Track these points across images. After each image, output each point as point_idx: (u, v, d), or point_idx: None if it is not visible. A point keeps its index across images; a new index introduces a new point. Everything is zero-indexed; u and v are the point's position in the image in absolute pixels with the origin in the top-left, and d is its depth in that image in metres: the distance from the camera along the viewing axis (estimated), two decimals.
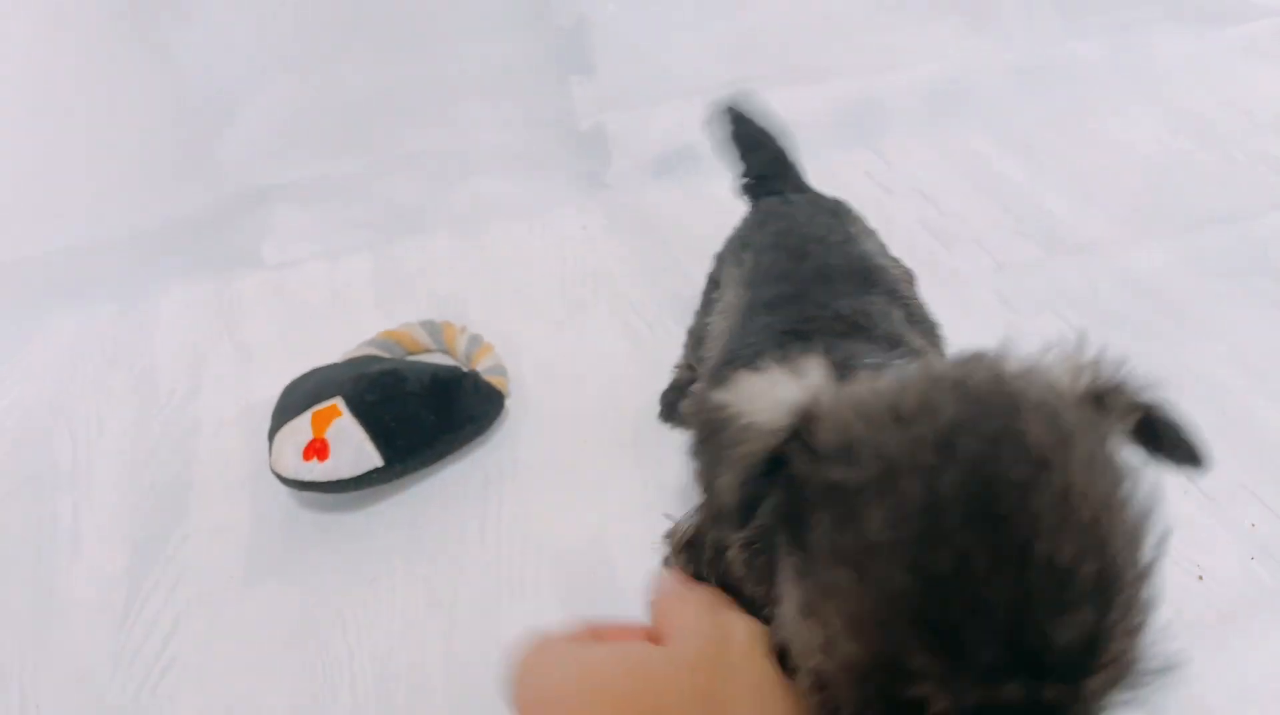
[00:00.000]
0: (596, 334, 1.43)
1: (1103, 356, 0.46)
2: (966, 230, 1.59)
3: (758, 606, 0.50)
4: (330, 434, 1.09)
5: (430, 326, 1.37)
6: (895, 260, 1.02)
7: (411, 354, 1.36)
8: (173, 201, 1.66)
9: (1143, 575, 0.39)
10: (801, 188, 1.16)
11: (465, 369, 1.26)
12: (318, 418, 1.11)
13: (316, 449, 1.09)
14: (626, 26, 1.74)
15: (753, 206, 1.13)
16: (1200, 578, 1.02)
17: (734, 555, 0.52)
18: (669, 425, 1.27)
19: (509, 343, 1.38)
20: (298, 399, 1.15)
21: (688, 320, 1.22)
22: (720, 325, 0.94)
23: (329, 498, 1.15)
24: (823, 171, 1.22)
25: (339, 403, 1.12)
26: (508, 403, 1.26)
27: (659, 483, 1.17)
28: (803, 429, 0.43)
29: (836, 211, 1.05)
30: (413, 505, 1.17)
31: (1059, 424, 0.40)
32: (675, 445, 1.24)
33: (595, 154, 1.77)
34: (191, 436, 1.32)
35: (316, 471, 1.08)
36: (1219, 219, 1.57)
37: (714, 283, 1.08)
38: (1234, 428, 1.18)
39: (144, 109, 1.64)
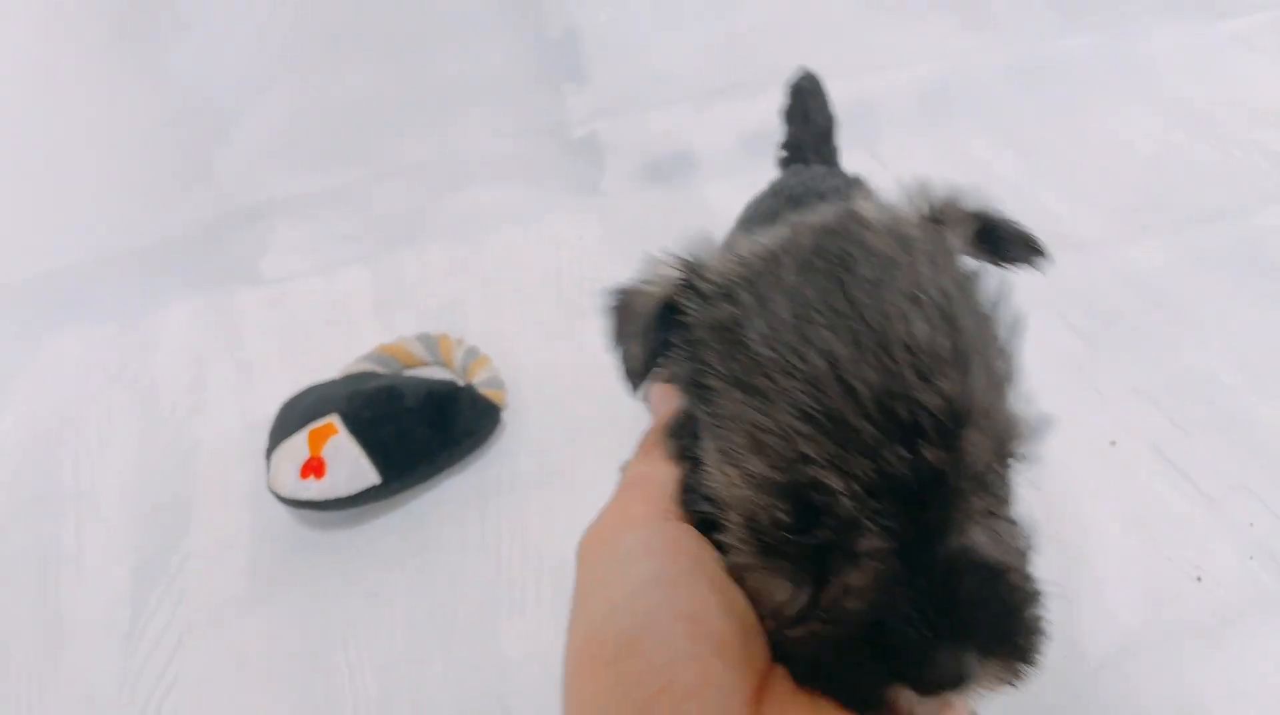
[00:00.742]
0: (594, 342, 1.41)
1: (934, 184, 0.54)
2: None
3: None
4: (327, 452, 1.10)
5: (426, 340, 1.38)
6: None
7: (408, 368, 1.37)
8: (171, 218, 1.67)
9: (1000, 348, 0.46)
10: (832, 161, 1.22)
11: (462, 383, 1.27)
12: (314, 436, 1.12)
13: (313, 467, 1.09)
14: (618, 34, 1.75)
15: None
16: (1199, 579, 1.01)
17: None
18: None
19: (506, 352, 1.38)
20: (294, 417, 1.16)
21: None
22: None
23: (328, 515, 1.16)
24: None
25: (335, 420, 1.13)
26: (505, 415, 1.27)
27: None
28: (691, 279, 0.50)
29: (850, 181, 1.09)
30: (411, 521, 1.17)
31: (902, 235, 0.47)
32: None
33: (589, 161, 1.78)
34: (193, 455, 1.33)
35: (314, 490, 1.09)
36: (1216, 214, 1.56)
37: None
38: (1231, 426, 1.18)
39: (141, 126, 1.64)
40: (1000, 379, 0.44)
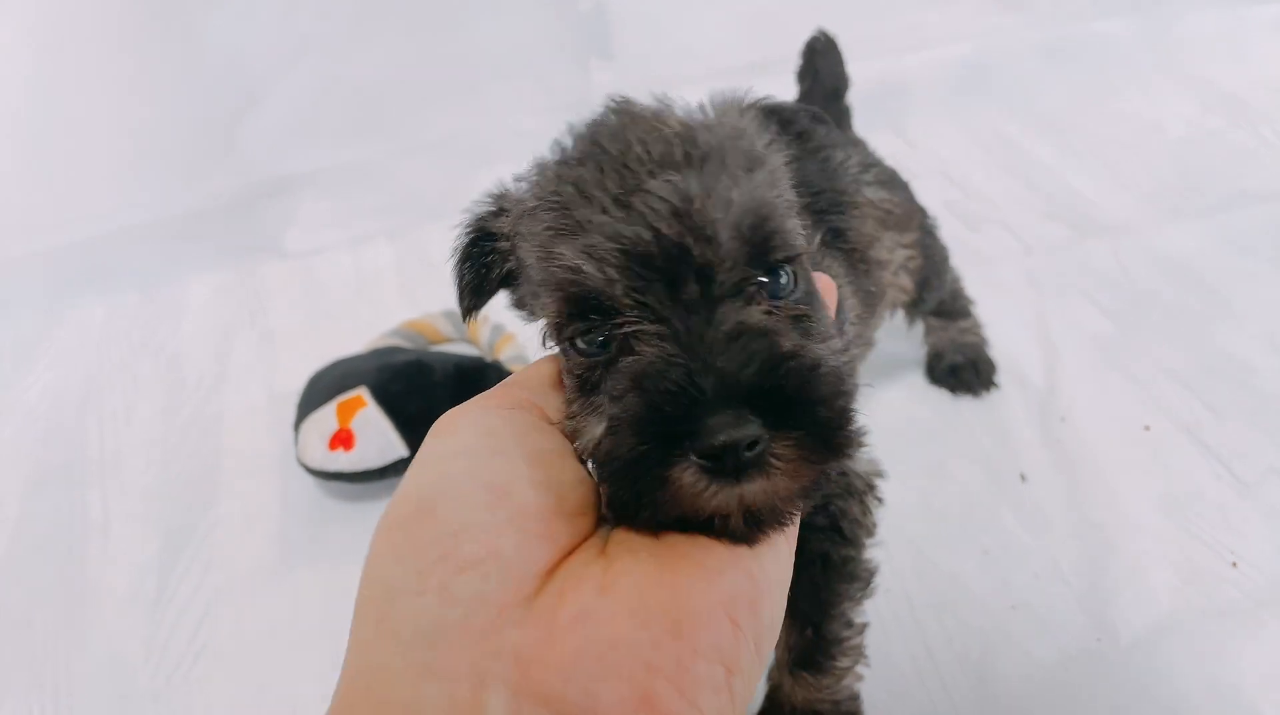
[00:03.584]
0: None
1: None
2: (994, 212, 1.57)
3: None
4: (356, 424, 1.10)
5: (452, 316, 1.37)
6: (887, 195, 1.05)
7: (434, 344, 1.36)
8: (198, 190, 1.67)
9: (751, 155, 0.50)
10: (841, 122, 1.19)
11: (488, 359, 1.26)
12: (343, 408, 1.11)
13: (342, 439, 1.09)
14: (646, 9, 1.73)
15: None
16: (1234, 564, 1.00)
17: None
18: None
19: (531, 330, 1.37)
20: (322, 389, 1.16)
21: None
22: None
23: (354, 486, 1.15)
24: None
25: (364, 393, 1.12)
26: None
27: None
28: (500, 204, 0.58)
29: (851, 140, 1.09)
30: None
31: (657, 108, 0.52)
32: None
33: None
34: (218, 425, 1.33)
35: (342, 461, 1.09)
36: (1250, 198, 1.54)
37: None
38: (1265, 410, 1.17)
39: (170, 99, 1.64)
40: (741, 176, 0.48)
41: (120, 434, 1.34)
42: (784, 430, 0.41)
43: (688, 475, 0.41)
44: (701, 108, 0.55)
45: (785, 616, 0.63)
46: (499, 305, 1.41)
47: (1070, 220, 1.53)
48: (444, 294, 1.46)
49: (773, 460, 0.41)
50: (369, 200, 1.70)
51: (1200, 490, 1.08)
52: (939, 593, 1.00)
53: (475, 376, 1.19)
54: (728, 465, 0.40)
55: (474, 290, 0.61)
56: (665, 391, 0.42)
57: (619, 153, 0.48)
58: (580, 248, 0.46)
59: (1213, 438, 1.14)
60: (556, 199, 0.48)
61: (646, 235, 0.44)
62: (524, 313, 0.61)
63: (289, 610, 1.07)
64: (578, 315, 0.48)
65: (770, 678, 0.82)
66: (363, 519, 1.15)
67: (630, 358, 0.45)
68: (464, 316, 0.63)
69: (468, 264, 0.60)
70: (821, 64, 1.19)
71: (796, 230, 0.51)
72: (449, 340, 1.38)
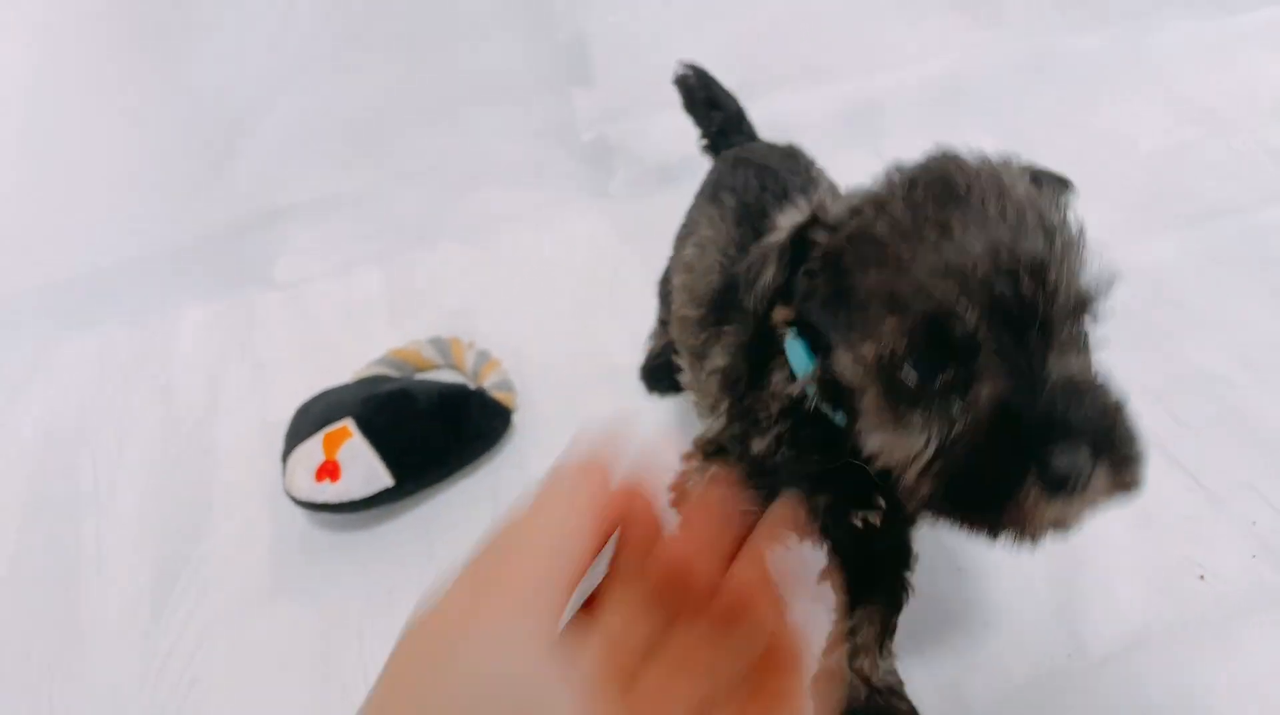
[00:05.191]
0: (605, 343, 1.44)
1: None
2: None
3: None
4: (341, 455, 1.12)
5: (438, 343, 1.39)
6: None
7: (420, 371, 1.38)
8: (188, 222, 1.69)
9: (1074, 238, 0.58)
10: (754, 137, 1.23)
11: (473, 386, 1.28)
12: (329, 439, 1.13)
13: (328, 470, 1.11)
14: (626, 36, 1.75)
15: (718, 157, 1.19)
16: (1202, 577, 1.02)
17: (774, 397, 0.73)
18: (656, 393, 1.33)
19: (518, 354, 1.40)
20: (309, 421, 1.18)
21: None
22: (704, 260, 0.99)
23: (343, 516, 1.17)
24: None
25: (349, 424, 1.14)
26: (515, 417, 1.28)
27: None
28: (818, 214, 0.63)
29: (793, 153, 1.12)
30: (424, 521, 1.19)
31: (977, 160, 0.60)
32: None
33: (599, 163, 1.79)
34: (210, 456, 1.35)
35: (329, 493, 1.11)
36: (1223, 211, 1.56)
37: (685, 228, 1.12)
38: (1236, 423, 1.19)
39: (158, 130, 1.66)
40: (1075, 250, 0.57)
41: (113, 465, 1.36)
42: (1104, 458, 0.52)
43: (1033, 493, 0.51)
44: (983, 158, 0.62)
45: (876, 604, 0.90)
46: (486, 329, 1.43)
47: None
48: (431, 320, 1.50)
49: (1092, 488, 0.52)
50: (356, 228, 1.72)
51: (1169, 504, 1.10)
52: (913, 611, 1.01)
53: (460, 404, 1.22)
54: (1068, 490, 0.51)
55: (779, 292, 0.66)
56: (1019, 418, 0.52)
57: (977, 206, 0.55)
58: (957, 287, 0.53)
59: (1183, 451, 1.15)
60: (924, 235, 0.55)
61: (1010, 288, 0.53)
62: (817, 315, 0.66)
63: (280, 640, 1.09)
64: (927, 342, 0.55)
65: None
66: (350, 548, 1.17)
67: (980, 385, 0.54)
68: (753, 315, 0.67)
69: (786, 257, 0.64)
70: (715, 93, 1.23)
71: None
72: (435, 366, 1.40)
